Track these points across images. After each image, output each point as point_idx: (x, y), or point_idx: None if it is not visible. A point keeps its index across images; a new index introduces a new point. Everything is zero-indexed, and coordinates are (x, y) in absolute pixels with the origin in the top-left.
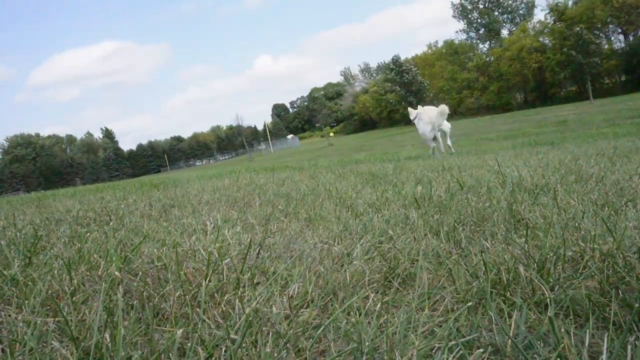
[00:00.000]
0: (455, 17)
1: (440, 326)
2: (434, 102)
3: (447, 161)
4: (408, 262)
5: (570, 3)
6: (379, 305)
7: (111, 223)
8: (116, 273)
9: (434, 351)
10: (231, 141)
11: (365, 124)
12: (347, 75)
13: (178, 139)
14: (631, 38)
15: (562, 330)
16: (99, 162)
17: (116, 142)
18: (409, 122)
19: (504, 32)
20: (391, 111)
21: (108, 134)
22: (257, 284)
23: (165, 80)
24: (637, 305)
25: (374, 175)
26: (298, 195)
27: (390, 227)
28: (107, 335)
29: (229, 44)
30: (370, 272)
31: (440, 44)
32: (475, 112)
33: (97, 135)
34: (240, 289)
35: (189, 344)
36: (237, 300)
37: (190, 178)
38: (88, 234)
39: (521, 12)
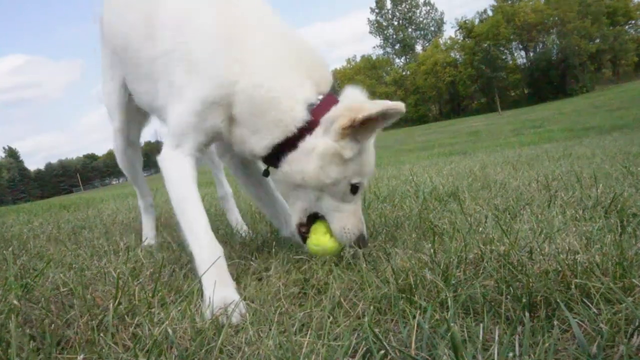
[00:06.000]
0: (372, 33)
1: (353, 330)
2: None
3: None
4: (323, 273)
5: (477, 21)
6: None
7: (10, 248)
8: (15, 302)
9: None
10: (150, 157)
11: None
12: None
13: (92, 157)
14: (532, 54)
15: (456, 326)
16: (2, 183)
17: (21, 162)
18: None
19: (418, 48)
20: None
21: (12, 154)
22: (171, 303)
23: (79, 97)
24: (524, 299)
25: None
26: (217, 210)
27: None
28: None
29: None
30: (287, 285)
31: (358, 59)
32: (394, 124)
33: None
34: (152, 309)
35: None
36: (146, 322)
37: (105, 198)
38: None
39: (432, 28)
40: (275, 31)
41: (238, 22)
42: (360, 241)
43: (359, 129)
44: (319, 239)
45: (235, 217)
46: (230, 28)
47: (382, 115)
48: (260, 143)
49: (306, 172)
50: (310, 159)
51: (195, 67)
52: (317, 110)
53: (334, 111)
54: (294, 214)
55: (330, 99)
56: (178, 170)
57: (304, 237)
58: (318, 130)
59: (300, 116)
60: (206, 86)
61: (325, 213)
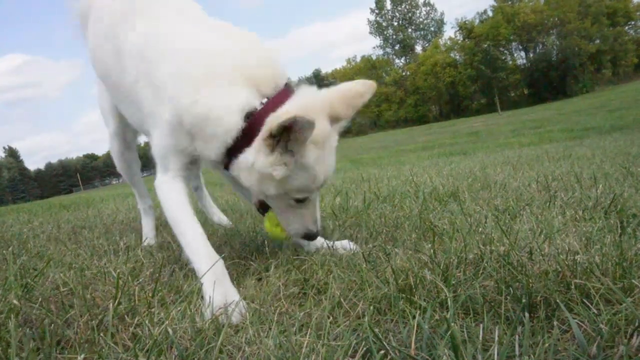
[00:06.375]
0: (372, 33)
1: (353, 330)
2: (354, 116)
3: (366, 172)
4: (323, 273)
5: (477, 22)
6: (291, 317)
7: (10, 248)
8: (14, 302)
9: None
10: (149, 158)
11: None
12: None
13: (92, 157)
14: (532, 55)
15: (456, 326)
16: (2, 183)
17: (22, 162)
18: None
19: (418, 48)
20: None
21: (12, 153)
22: (171, 303)
23: (79, 97)
24: (524, 300)
25: None
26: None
27: None
28: None
29: None
30: (286, 285)
31: (358, 59)
32: (394, 125)
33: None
34: (152, 309)
35: None
36: (146, 322)
37: (105, 197)
38: None
39: (432, 29)
40: (213, 45)
41: (183, 45)
42: (312, 237)
43: (289, 139)
44: (273, 230)
45: (209, 203)
46: (178, 52)
47: (294, 124)
48: (213, 154)
49: (247, 183)
50: (248, 172)
51: (158, 93)
52: (256, 118)
53: (268, 119)
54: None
55: (272, 103)
56: (169, 193)
57: (262, 213)
58: (255, 142)
59: (234, 127)
60: (166, 110)
61: (275, 212)
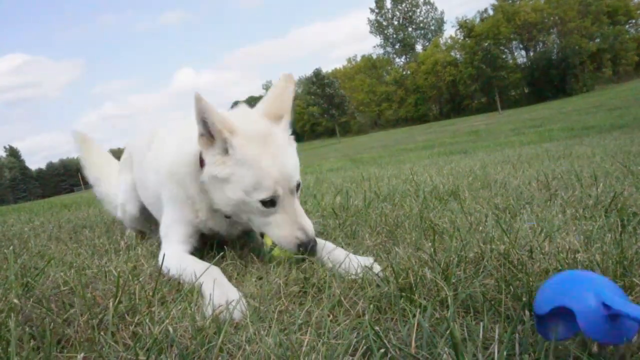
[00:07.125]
0: (372, 32)
1: (353, 328)
2: (356, 114)
3: (366, 171)
4: (323, 272)
5: (477, 20)
6: (290, 316)
7: (11, 247)
8: (15, 301)
9: (340, 356)
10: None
11: None
12: (269, 88)
13: None
14: (532, 53)
15: (456, 325)
16: (3, 183)
17: (23, 161)
18: (332, 134)
19: (418, 47)
20: (314, 124)
21: (13, 153)
22: (171, 301)
23: (78, 96)
24: (524, 298)
25: None
26: None
27: None
28: None
29: (148, 59)
30: (287, 284)
31: (359, 59)
32: (394, 124)
33: (1, 154)
34: (152, 308)
35: None
36: (147, 320)
37: None
38: None
39: (432, 28)
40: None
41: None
42: (306, 247)
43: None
44: (273, 252)
45: None
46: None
47: (197, 104)
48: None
49: (215, 199)
50: (209, 185)
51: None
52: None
53: None
54: None
55: None
56: (169, 257)
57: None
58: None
59: (194, 151)
60: (163, 179)
61: (260, 230)
